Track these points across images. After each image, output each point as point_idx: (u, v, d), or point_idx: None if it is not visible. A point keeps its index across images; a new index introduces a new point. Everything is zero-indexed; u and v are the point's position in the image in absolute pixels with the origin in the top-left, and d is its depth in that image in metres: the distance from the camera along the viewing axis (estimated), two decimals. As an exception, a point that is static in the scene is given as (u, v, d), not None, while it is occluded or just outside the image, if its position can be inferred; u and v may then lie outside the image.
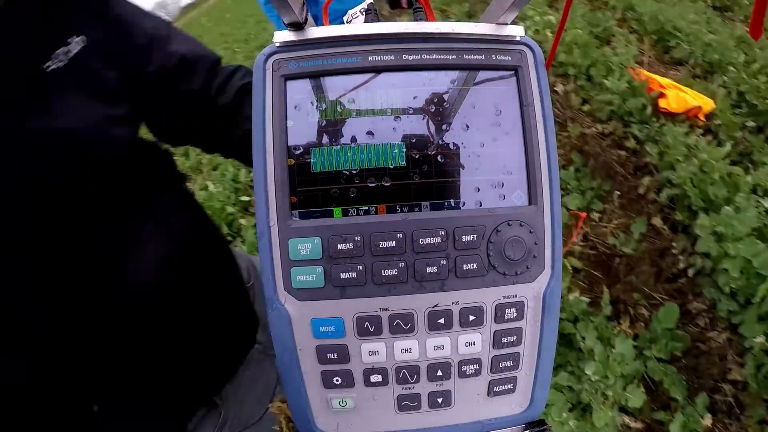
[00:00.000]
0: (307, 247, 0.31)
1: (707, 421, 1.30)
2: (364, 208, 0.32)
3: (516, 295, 0.32)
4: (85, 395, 0.54)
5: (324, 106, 0.32)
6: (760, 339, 1.36)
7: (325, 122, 0.32)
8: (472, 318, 0.32)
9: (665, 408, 1.40)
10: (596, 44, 3.04)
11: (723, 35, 3.09)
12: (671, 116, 2.34)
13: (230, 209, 2.44)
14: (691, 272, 1.69)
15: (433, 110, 0.32)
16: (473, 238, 0.32)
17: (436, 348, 0.32)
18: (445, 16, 3.84)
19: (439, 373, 0.32)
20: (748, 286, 1.47)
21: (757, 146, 2.22)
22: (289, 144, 0.32)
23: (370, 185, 0.32)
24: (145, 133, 0.61)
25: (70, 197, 0.47)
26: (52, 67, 0.45)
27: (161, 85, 0.58)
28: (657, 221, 1.95)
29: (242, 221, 2.37)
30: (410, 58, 0.32)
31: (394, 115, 0.32)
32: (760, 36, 0.25)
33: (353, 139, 0.32)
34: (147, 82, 0.56)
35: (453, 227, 0.31)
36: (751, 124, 2.42)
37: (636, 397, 1.34)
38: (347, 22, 0.45)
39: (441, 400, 0.33)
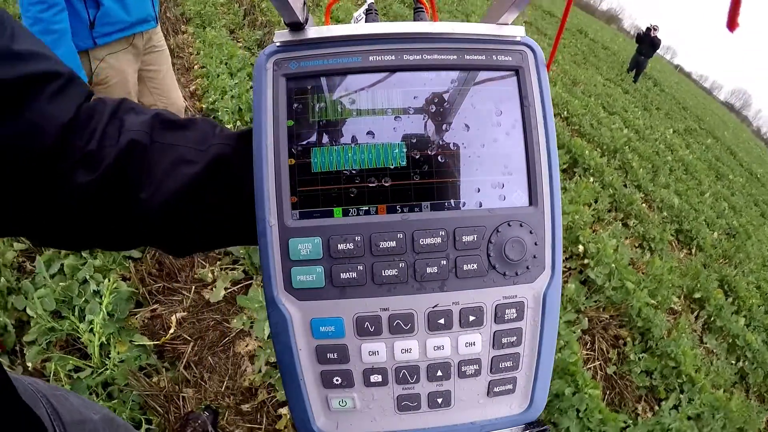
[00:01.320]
0: (307, 247, 0.31)
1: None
2: (364, 208, 0.32)
3: (516, 296, 0.32)
4: None
5: (324, 105, 0.32)
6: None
7: (325, 122, 0.32)
8: (472, 318, 0.32)
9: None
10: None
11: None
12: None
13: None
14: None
15: (433, 110, 0.32)
16: (473, 239, 0.32)
17: (436, 348, 0.32)
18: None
19: (439, 373, 0.32)
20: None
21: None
22: (289, 144, 0.32)
23: (371, 185, 0.32)
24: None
25: None
26: None
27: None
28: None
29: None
30: (411, 58, 0.32)
31: (395, 115, 0.32)
32: (736, 28, 0.25)
33: (354, 139, 0.32)
34: None
35: (453, 227, 0.31)
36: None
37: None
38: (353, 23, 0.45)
39: (441, 400, 0.33)
